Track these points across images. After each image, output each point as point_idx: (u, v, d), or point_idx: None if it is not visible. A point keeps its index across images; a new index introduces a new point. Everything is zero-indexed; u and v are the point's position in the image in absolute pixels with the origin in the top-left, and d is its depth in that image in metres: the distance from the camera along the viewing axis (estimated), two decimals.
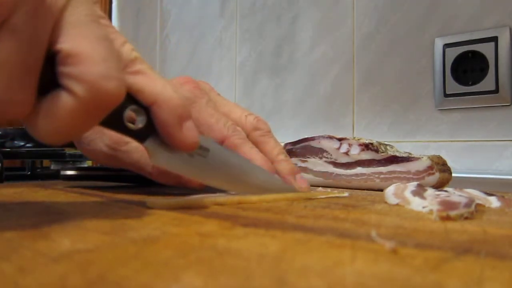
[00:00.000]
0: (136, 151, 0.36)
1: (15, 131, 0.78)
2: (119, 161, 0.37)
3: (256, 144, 0.38)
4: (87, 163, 0.96)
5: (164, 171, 0.34)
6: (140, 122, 0.25)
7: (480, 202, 0.30)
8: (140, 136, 0.25)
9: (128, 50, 0.25)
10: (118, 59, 0.22)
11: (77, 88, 0.20)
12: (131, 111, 0.25)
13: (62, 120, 0.20)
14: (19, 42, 0.18)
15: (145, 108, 0.25)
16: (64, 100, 0.20)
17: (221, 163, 0.30)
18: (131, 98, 0.24)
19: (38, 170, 0.88)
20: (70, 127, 0.20)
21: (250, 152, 0.36)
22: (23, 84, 0.19)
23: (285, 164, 0.38)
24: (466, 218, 0.24)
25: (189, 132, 0.26)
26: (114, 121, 0.24)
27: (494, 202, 0.31)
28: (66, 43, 0.20)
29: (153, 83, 0.25)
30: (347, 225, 0.22)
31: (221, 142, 0.36)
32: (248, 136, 0.39)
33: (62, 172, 0.45)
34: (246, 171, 0.33)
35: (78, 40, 0.20)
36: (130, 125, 0.25)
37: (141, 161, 0.36)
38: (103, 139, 0.37)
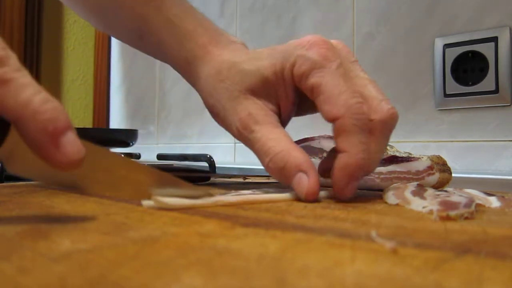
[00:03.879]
0: (257, 142, 0.35)
1: None
2: (246, 144, 0.37)
3: (367, 137, 0.32)
4: None
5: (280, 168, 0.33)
6: None
7: (480, 202, 0.30)
8: None
9: None
10: None
11: None
12: None
13: None
14: None
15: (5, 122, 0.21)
16: None
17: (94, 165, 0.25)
18: None
19: None
20: None
21: (354, 145, 0.30)
22: None
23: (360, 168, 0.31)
24: (466, 218, 0.24)
25: (68, 149, 0.20)
26: None
27: (494, 202, 0.31)
28: None
29: (14, 96, 0.20)
30: (347, 225, 0.22)
31: (333, 120, 0.31)
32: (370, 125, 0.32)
33: None
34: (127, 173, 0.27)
35: None
36: None
37: (260, 153, 0.35)
38: (234, 119, 0.36)
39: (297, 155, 0.33)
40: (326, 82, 0.32)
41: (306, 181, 0.31)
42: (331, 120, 0.32)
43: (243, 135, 0.36)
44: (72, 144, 0.21)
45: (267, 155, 0.34)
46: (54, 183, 0.26)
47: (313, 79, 0.33)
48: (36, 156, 0.21)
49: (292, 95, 0.36)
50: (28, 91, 0.20)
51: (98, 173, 0.26)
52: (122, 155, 0.33)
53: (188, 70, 0.43)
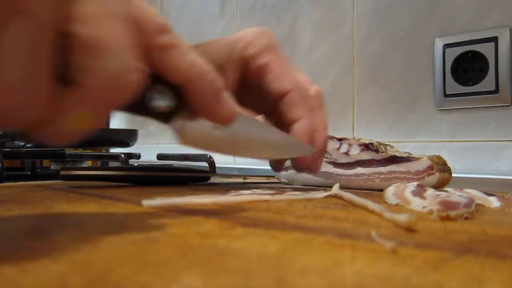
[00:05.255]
0: None
1: (15, 131, 0.78)
2: None
3: (310, 109, 0.38)
4: (87, 163, 0.96)
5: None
6: (167, 103, 0.23)
7: (480, 202, 0.30)
8: (166, 117, 0.23)
9: (154, 18, 0.21)
10: (141, 40, 0.19)
11: (92, 82, 0.17)
12: (156, 93, 0.22)
13: (73, 120, 0.17)
14: (31, 25, 0.15)
15: (173, 86, 0.23)
16: (74, 96, 0.17)
17: (242, 131, 0.29)
18: (156, 78, 0.22)
19: (38, 170, 0.88)
20: (80, 126, 0.18)
21: (303, 112, 0.36)
22: (38, 78, 0.16)
23: (323, 140, 0.38)
24: (466, 218, 0.24)
25: (227, 105, 0.24)
26: (134, 105, 0.21)
27: (494, 202, 0.31)
28: (83, 26, 0.17)
29: (182, 58, 0.22)
30: (347, 225, 0.22)
31: (283, 94, 0.36)
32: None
33: (62, 172, 0.45)
34: (266, 136, 0.32)
35: (96, 22, 0.17)
36: (155, 107, 0.22)
37: None
38: None
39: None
40: (275, 62, 0.36)
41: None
42: (281, 94, 0.36)
43: None
44: (228, 101, 0.24)
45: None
46: (218, 151, 0.30)
47: (263, 59, 0.36)
48: (203, 115, 0.23)
49: (236, 76, 0.38)
50: (192, 54, 0.22)
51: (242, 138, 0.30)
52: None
53: None
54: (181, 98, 0.23)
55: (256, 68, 0.37)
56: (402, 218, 0.20)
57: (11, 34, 0.15)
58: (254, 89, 0.38)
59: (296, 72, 0.38)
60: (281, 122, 0.37)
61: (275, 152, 0.33)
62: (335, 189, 0.35)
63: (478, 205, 0.29)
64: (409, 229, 0.20)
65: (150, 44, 0.21)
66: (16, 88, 0.15)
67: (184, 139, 0.25)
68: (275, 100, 0.36)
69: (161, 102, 0.23)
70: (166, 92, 0.23)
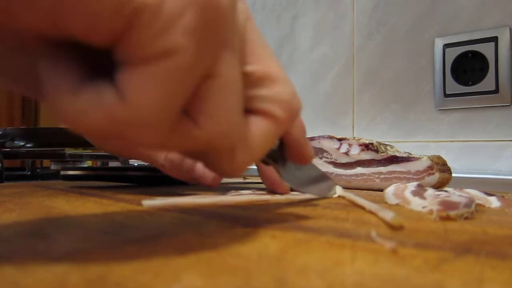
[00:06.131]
0: None
1: (15, 131, 0.78)
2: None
3: None
4: (87, 163, 0.96)
5: (177, 164, 0.34)
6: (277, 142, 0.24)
7: (480, 202, 0.30)
8: (275, 157, 0.24)
9: (297, 99, 0.22)
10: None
11: (277, 110, 0.19)
12: None
13: (261, 146, 0.19)
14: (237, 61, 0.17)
15: None
16: (264, 126, 0.19)
17: (302, 168, 0.30)
18: None
19: (38, 170, 0.88)
20: (263, 151, 0.19)
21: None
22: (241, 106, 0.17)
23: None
24: (466, 218, 0.24)
25: (311, 147, 0.25)
26: None
27: (494, 202, 0.31)
28: (257, 64, 0.19)
29: (285, 97, 0.21)
30: (347, 225, 0.22)
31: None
32: None
33: (62, 172, 0.45)
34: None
35: (264, 59, 0.19)
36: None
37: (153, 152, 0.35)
38: None
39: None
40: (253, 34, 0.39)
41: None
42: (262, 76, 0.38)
43: None
44: (310, 144, 0.25)
45: None
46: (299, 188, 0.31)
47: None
48: (295, 158, 0.25)
49: None
50: (289, 92, 0.22)
51: None
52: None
53: None
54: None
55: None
56: (388, 215, 0.21)
57: (228, 68, 0.16)
58: None
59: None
60: None
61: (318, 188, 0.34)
62: (339, 191, 0.35)
63: (478, 205, 0.29)
64: (395, 227, 0.20)
65: None
66: (231, 116, 0.17)
67: (287, 179, 0.27)
68: None
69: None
70: None
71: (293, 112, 0.20)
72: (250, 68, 0.19)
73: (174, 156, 0.34)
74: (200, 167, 0.35)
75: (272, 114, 0.19)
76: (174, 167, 0.35)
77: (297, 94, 0.20)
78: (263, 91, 0.19)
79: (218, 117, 0.16)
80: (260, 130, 0.19)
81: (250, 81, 0.19)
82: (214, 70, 0.16)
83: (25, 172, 0.83)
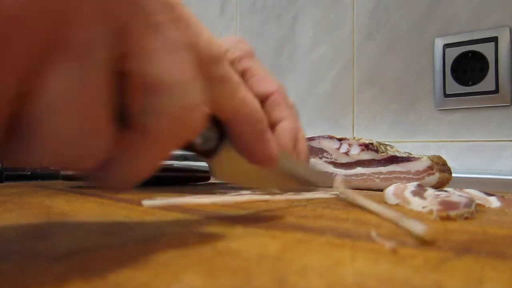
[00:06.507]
0: None
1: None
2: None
3: (292, 112, 0.40)
4: None
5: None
6: (211, 140, 0.21)
7: (480, 202, 0.30)
8: (207, 153, 0.22)
9: (210, 46, 0.18)
10: (198, 71, 0.17)
11: (157, 124, 0.16)
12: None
13: (137, 163, 0.16)
14: (83, 69, 0.14)
15: (217, 122, 0.21)
16: (138, 138, 0.16)
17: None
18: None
19: (38, 170, 0.88)
20: (144, 170, 0.16)
21: (287, 113, 0.37)
22: (96, 125, 0.14)
23: (305, 145, 0.39)
24: (466, 218, 0.24)
25: (270, 146, 0.22)
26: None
27: (494, 202, 0.31)
28: (143, 63, 0.15)
29: (234, 94, 0.20)
30: (347, 225, 0.22)
31: (268, 95, 0.37)
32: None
33: (62, 172, 0.45)
34: (293, 168, 0.31)
35: (156, 57, 0.15)
36: (199, 144, 0.21)
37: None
38: None
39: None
40: (256, 67, 0.38)
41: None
42: (265, 96, 0.37)
43: None
44: (272, 143, 0.22)
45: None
46: (251, 185, 0.30)
47: (246, 63, 0.38)
48: (245, 155, 0.22)
49: None
50: (243, 89, 0.20)
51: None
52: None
53: None
54: (223, 133, 0.22)
55: (238, 72, 0.38)
56: (418, 228, 0.17)
57: (61, 81, 0.13)
58: None
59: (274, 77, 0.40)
60: None
61: (299, 183, 0.32)
62: (340, 188, 0.34)
63: (478, 205, 0.28)
64: (425, 242, 0.17)
65: (205, 76, 0.18)
66: (73, 138, 0.14)
67: (220, 175, 0.25)
68: (259, 101, 0.38)
69: (206, 140, 0.22)
70: (211, 129, 0.21)
71: (182, 129, 0.16)
72: (135, 67, 0.15)
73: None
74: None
75: (149, 126, 0.16)
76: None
77: (195, 106, 0.17)
78: (148, 100, 0.15)
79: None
80: (135, 144, 0.16)
81: (134, 83, 0.15)
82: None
83: (25, 172, 0.83)
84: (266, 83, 0.37)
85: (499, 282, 0.12)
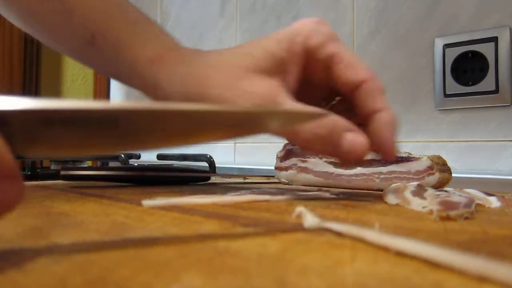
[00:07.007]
0: None
1: None
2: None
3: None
4: (87, 163, 0.96)
5: (322, 137, 0.32)
6: None
7: (480, 202, 0.30)
8: None
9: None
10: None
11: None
12: None
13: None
14: None
15: None
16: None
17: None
18: None
19: (38, 170, 0.88)
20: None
21: (383, 102, 0.34)
22: None
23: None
24: (466, 218, 0.24)
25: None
26: None
27: (494, 202, 0.31)
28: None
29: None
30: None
31: (361, 83, 0.34)
32: None
33: (62, 172, 0.45)
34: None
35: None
36: None
37: None
38: (249, 97, 0.34)
39: (340, 118, 0.33)
40: (343, 51, 0.34)
41: (360, 138, 0.32)
42: (358, 83, 0.33)
43: None
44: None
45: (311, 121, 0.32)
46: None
47: (332, 48, 0.34)
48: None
49: (299, 70, 0.36)
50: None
51: None
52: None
53: (151, 71, 0.39)
54: None
55: (323, 59, 0.35)
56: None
57: None
58: (317, 79, 0.36)
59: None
60: (356, 113, 0.35)
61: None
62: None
63: (478, 205, 0.29)
64: None
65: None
66: None
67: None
68: (349, 90, 0.34)
69: None
70: None
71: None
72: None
73: (320, 129, 0.32)
74: (350, 136, 0.32)
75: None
76: (319, 139, 0.32)
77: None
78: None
79: None
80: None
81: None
82: None
83: (25, 172, 0.83)
84: (356, 69, 0.34)
85: (499, 282, 0.12)
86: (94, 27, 0.40)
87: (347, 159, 0.32)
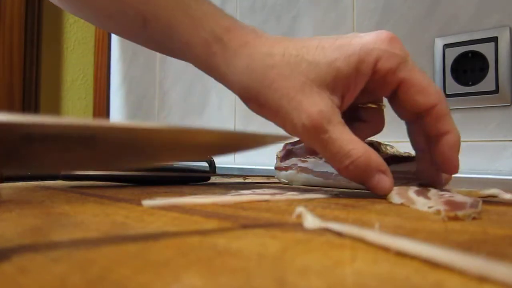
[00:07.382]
0: (333, 143, 0.34)
1: None
2: (312, 143, 0.36)
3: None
4: None
5: (361, 168, 0.34)
6: None
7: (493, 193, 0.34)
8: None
9: None
10: None
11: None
12: None
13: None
14: None
15: None
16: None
17: None
18: None
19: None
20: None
21: (451, 125, 0.35)
22: None
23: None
24: (474, 218, 0.24)
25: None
26: None
27: (507, 195, 0.34)
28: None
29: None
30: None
31: (430, 108, 0.35)
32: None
33: (62, 172, 0.45)
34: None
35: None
36: None
37: (337, 155, 0.34)
38: (300, 115, 0.34)
39: (376, 158, 0.35)
40: (414, 75, 0.34)
41: (387, 180, 0.35)
42: (429, 108, 0.35)
43: (313, 135, 0.34)
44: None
45: (348, 158, 0.34)
46: None
47: (403, 73, 0.34)
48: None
49: (359, 88, 0.36)
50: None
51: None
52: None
53: (208, 53, 0.38)
54: None
55: (394, 82, 0.35)
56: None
57: None
58: (376, 93, 0.37)
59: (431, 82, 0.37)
60: (423, 133, 0.37)
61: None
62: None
63: (490, 196, 0.31)
64: None
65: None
66: None
67: None
68: (418, 112, 0.35)
69: None
70: None
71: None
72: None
73: (355, 169, 0.34)
74: (378, 178, 0.34)
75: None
76: (352, 175, 0.35)
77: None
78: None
79: None
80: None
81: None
82: None
83: (25, 172, 0.83)
84: (427, 95, 0.34)
85: (499, 282, 0.12)
86: (146, 8, 0.39)
87: (371, 191, 0.35)
